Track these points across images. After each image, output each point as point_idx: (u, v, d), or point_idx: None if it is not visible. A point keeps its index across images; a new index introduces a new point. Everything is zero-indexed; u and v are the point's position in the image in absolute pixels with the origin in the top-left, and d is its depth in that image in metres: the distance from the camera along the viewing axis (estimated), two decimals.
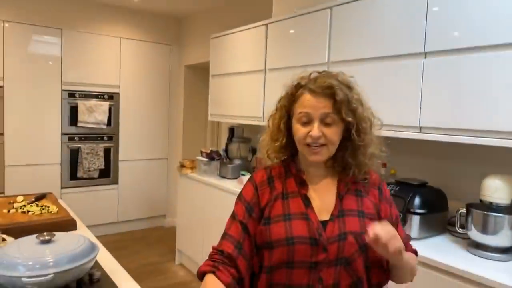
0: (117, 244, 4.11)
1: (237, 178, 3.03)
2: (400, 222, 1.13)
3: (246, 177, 2.88)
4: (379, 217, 1.07)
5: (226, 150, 3.44)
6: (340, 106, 0.99)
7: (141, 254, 3.91)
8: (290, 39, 2.65)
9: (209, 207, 3.17)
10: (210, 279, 0.98)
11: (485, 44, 1.60)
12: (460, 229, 1.72)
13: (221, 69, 3.45)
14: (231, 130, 3.47)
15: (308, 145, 1.02)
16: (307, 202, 1.05)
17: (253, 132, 3.57)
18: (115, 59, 4.33)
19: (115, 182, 4.42)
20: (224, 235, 1.08)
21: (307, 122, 1.02)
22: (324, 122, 1.01)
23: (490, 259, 1.57)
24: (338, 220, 1.02)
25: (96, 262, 1.33)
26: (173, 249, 3.78)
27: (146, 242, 4.24)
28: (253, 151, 3.51)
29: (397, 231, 1.05)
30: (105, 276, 1.26)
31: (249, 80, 3.07)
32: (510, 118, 1.52)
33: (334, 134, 1.02)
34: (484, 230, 1.59)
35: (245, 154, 3.42)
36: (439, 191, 1.94)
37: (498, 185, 1.58)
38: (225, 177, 3.27)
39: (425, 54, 1.81)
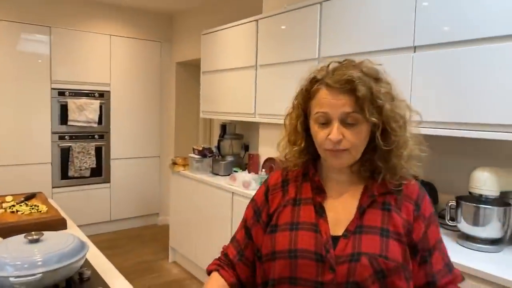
0: (110, 243, 4.09)
1: (229, 175, 3.02)
2: (439, 249, 0.91)
3: (238, 174, 2.88)
4: (409, 239, 0.88)
5: (218, 147, 3.44)
6: (363, 104, 0.83)
7: (135, 252, 3.90)
8: (280, 35, 2.64)
9: (202, 204, 3.16)
10: (214, 275, 1.00)
11: (474, 38, 1.61)
12: (450, 222, 1.74)
13: (212, 65, 3.43)
14: (223, 127, 3.46)
15: (330, 149, 0.87)
16: (320, 211, 0.91)
17: (245, 129, 3.56)
18: (105, 56, 4.29)
19: (107, 180, 4.39)
20: (233, 238, 1.06)
21: (326, 122, 0.87)
22: (345, 123, 0.85)
23: (479, 251, 1.58)
24: (354, 237, 0.86)
25: (86, 260, 1.32)
26: (166, 247, 3.77)
27: (140, 241, 4.22)
28: (246, 147, 3.50)
29: (431, 261, 0.89)
30: (95, 274, 1.25)
31: (240, 77, 3.06)
32: (499, 111, 1.53)
33: (357, 136, 0.85)
34: (473, 222, 1.61)
35: (237, 150, 3.42)
36: (429, 184, 1.96)
37: (487, 178, 1.60)
38: (217, 174, 3.27)
39: (415, 48, 1.82)
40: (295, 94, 0.97)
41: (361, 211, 0.89)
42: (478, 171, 1.63)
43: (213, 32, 3.41)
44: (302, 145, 0.96)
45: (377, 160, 0.89)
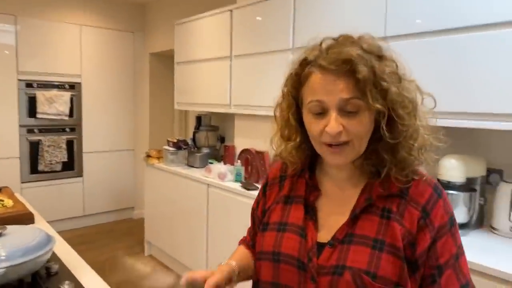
0: (84, 238, 4.00)
1: (205, 167, 3.00)
2: (455, 268, 0.74)
3: (214, 166, 2.86)
4: (410, 253, 0.72)
5: (193, 139, 3.40)
6: (365, 87, 0.69)
7: (109, 247, 3.83)
8: (255, 25, 2.62)
9: (177, 196, 3.13)
10: (241, 247, 1.00)
11: (445, 28, 1.64)
12: None
13: (186, 56, 3.38)
14: (198, 119, 3.42)
15: (328, 143, 0.74)
16: (311, 213, 0.81)
17: (221, 120, 3.54)
18: (76, 47, 4.15)
19: (80, 174, 4.28)
20: (251, 225, 1.04)
21: (322, 112, 0.73)
22: (344, 111, 0.71)
23: None
24: (341, 247, 0.74)
25: (55, 255, 1.28)
26: (142, 241, 3.72)
27: (114, 235, 4.15)
28: (221, 139, 3.48)
29: (441, 281, 0.72)
30: (63, 269, 1.22)
31: (215, 67, 3.03)
32: (471, 100, 1.58)
33: (360, 126, 0.72)
34: None
35: (213, 142, 3.40)
36: None
37: (454, 165, 1.64)
38: (193, 166, 3.24)
39: (386, 38, 1.84)
40: (284, 80, 0.82)
41: (353, 217, 0.76)
42: (446, 158, 1.68)
43: (187, 22, 3.36)
44: (298, 140, 0.82)
45: (382, 152, 0.74)
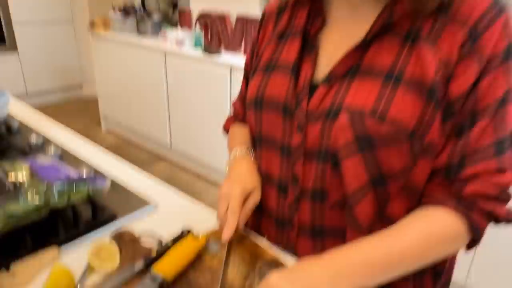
0: None
1: (158, 34, 2.75)
2: (496, 115, 0.50)
3: (169, 32, 2.63)
4: (442, 93, 0.50)
5: (142, 4, 3.05)
6: None
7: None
8: None
9: (132, 69, 2.93)
10: (235, 126, 0.80)
11: None
12: None
13: None
14: None
15: None
16: (309, 47, 0.60)
17: None
18: None
19: (14, 48, 3.81)
20: (240, 90, 0.82)
21: None
22: None
23: None
24: (340, 84, 0.55)
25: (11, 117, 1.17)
26: (96, 118, 3.58)
27: (64, 114, 3.95)
28: (174, 5, 3.16)
29: (470, 133, 0.51)
30: (25, 126, 1.12)
31: None
32: None
33: None
34: None
35: (164, 7, 3.08)
36: None
37: None
38: (144, 34, 2.97)
39: None
40: None
41: (364, 44, 0.53)
42: None
43: None
44: None
45: None
